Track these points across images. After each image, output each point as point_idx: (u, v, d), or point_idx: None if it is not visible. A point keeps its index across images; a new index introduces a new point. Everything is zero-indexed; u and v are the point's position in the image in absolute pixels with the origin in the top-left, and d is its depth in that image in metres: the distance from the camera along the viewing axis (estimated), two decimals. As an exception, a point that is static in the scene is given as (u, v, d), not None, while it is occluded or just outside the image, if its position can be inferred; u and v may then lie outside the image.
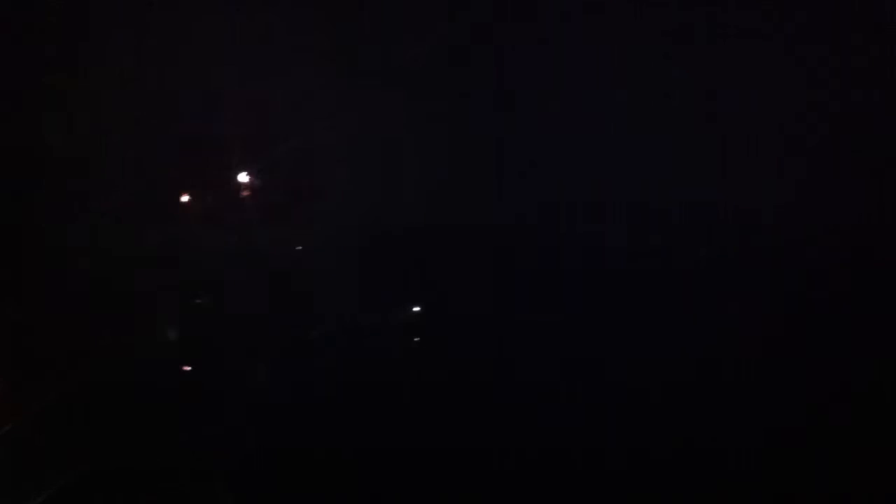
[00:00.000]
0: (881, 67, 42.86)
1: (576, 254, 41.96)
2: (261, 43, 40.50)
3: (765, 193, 44.36)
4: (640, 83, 43.92)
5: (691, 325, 37.36)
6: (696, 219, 44.41)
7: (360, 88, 41.27)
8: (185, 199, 40.22)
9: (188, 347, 33.68)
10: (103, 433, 26.68)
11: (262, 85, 40.67)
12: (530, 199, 43.58)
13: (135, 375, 30.17)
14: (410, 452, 27.45)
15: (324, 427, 29.20)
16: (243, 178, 41.09)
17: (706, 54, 44.10)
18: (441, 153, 43.56)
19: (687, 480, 26.85)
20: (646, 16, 43.35)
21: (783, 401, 32.02)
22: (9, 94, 35.79)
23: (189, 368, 31.78)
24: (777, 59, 45.40)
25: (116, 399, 28.74)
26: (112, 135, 36.95)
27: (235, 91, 39.50)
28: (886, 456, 27.26)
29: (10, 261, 32.75)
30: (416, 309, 38.50)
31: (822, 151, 44.17)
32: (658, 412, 31.55)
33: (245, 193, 41.35)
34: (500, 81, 44.21)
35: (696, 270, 42.45)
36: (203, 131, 39.77)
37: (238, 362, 32.53)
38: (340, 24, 41.73)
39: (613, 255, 41.83)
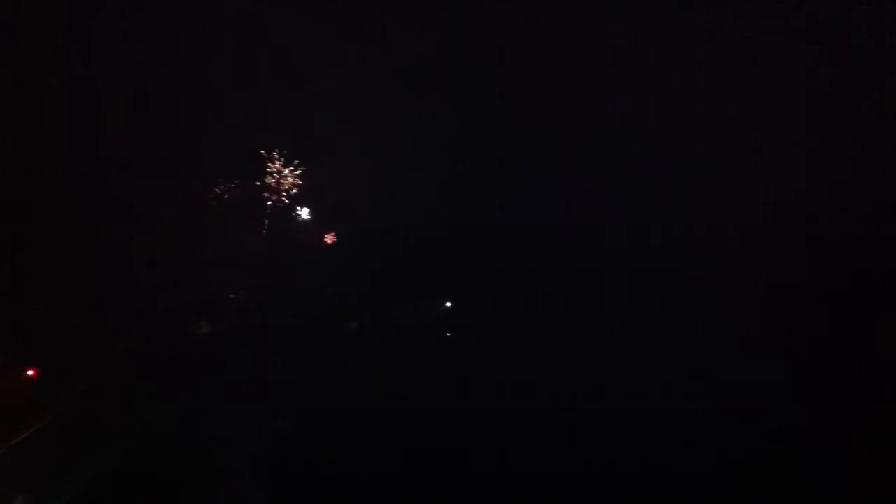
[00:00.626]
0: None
1: (596, 255, 42.04)
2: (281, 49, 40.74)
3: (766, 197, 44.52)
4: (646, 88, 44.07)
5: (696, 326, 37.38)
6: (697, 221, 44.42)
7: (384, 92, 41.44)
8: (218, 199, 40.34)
9: (219, 343, 33.84)
10: (125, 433, 26.88)
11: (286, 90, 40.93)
12: (551, 202, 43.56)
13: (157, 374, 30.33)
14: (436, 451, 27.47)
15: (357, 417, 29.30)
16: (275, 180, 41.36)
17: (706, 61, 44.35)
18: (468, 160, 43.69)
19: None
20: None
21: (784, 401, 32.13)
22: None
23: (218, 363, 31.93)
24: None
25: (137, 399, 28.85)
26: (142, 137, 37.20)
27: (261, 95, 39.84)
28: (886, 456, 27.34)
29: (31, 264, 33.07)
30: (448, 304, 38.80)
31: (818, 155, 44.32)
32: (661, 411, 31.55)
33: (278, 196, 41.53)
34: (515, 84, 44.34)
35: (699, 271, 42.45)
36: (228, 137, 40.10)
37: (271, 358, 32.67)
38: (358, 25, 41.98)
39: (623, 257, 41.88)
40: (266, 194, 40.86)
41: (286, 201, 41.37)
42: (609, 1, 46.49)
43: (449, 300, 39.00)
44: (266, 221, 40.86)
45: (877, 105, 44.76)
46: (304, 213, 41.62)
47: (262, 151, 40.86)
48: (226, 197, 40.09)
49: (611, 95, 46.01)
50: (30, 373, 29.92)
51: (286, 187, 41.15)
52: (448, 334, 37.69)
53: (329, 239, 41.54)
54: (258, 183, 40.81)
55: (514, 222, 42.65)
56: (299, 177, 41.30)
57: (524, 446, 27.70)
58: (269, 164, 40.81)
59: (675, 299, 39.70)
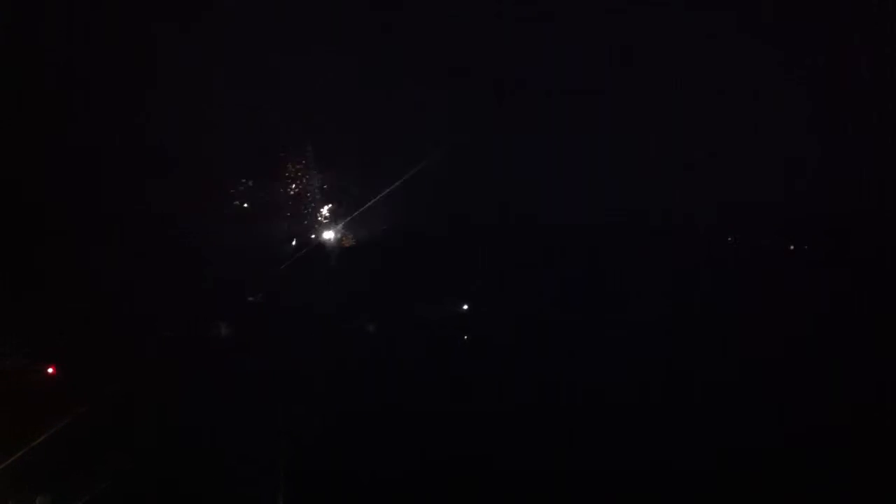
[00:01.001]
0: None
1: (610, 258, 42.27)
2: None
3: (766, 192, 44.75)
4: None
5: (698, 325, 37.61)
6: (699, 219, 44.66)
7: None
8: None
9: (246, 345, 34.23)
10: (143, 435, 27.26)
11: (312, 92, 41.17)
12: (559, 203, 43.70)
13: (177, 376, 30.72)
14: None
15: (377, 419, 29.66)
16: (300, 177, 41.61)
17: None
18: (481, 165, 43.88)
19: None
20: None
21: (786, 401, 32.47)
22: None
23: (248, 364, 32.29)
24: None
25: (157, 401, 29.21)
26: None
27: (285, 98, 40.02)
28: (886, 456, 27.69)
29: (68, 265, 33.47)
30: (465, 307, 39.14)
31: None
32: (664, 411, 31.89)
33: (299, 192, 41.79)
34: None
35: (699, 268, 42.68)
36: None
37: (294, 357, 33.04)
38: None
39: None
40: (284, 196, 41.17)
41: (305, 209, 41.70)
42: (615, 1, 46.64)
43: (465, 302, 39.41)
44: (286, 226, 41.15)
45: (879, 104, 44.89)
46: (324, 211, 41.93)
47: (282, 154, 41.18)
48: (245, 206, 40.44)
49: (618, 96, 46.26)
50: (49, 370, 30.66)
51: (304, 189, 41.46)
52: (465, 336, 38.38)
53: (346, 241, 41.92)
54: (280, 188, 41.11)
55: (526, 223, 42.96)
56: (317, 178, 41.61)
57: (548, 448, 28.04)
58: (289, 166, 41.10)
59: (677, 299, 40.13)
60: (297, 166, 41.71)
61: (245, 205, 40.83)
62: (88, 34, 37.03)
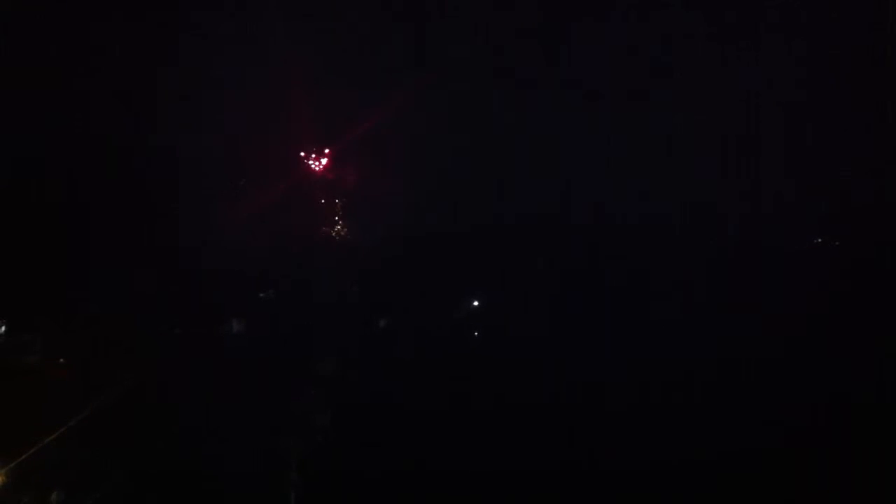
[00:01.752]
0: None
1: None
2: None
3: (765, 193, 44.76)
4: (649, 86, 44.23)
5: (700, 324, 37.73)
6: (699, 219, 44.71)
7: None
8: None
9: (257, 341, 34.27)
10: (156, 432, 27.33)
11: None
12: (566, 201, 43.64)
13: (189, 373, 30.79)
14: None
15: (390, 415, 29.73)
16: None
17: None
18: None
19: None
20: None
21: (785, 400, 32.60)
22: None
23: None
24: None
25: (170, 398, 29.33)
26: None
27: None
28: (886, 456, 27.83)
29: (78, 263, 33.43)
30: (475, 303, 39.07)
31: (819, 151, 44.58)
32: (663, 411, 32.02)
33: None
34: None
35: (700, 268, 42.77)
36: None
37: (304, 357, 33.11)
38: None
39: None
40: (295, 193, 41.16)
41: (315, 206, 41.66)
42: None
43: (476, 299, 39.47)
44: (295, 223, 41.08)
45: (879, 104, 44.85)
46: (338, 208, 41.88)
47: (291, 151, 41.16)
48: (254, 202, 40.36)
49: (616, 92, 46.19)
50: (60, 368, 30.76)
51: (320, 186, 41.49)
52: (475, 333, 38.41)
53: (355, 238, 41.92)
54: (289, 185, 41.07)
55: (537, 220, 42.92)
56: (333, 175, 41.60)
57: (560, 446, 28.17)
58: (305, 162, 41.09)
59: (678, 299, 40.14)
60: (307, 163, 41.73)
61: (254, 202, 40.80)
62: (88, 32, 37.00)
